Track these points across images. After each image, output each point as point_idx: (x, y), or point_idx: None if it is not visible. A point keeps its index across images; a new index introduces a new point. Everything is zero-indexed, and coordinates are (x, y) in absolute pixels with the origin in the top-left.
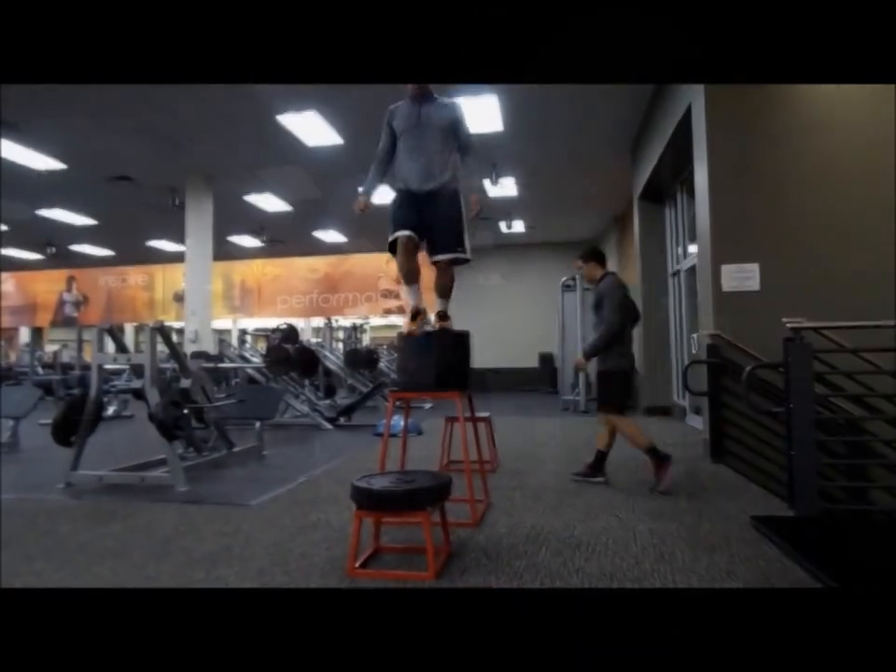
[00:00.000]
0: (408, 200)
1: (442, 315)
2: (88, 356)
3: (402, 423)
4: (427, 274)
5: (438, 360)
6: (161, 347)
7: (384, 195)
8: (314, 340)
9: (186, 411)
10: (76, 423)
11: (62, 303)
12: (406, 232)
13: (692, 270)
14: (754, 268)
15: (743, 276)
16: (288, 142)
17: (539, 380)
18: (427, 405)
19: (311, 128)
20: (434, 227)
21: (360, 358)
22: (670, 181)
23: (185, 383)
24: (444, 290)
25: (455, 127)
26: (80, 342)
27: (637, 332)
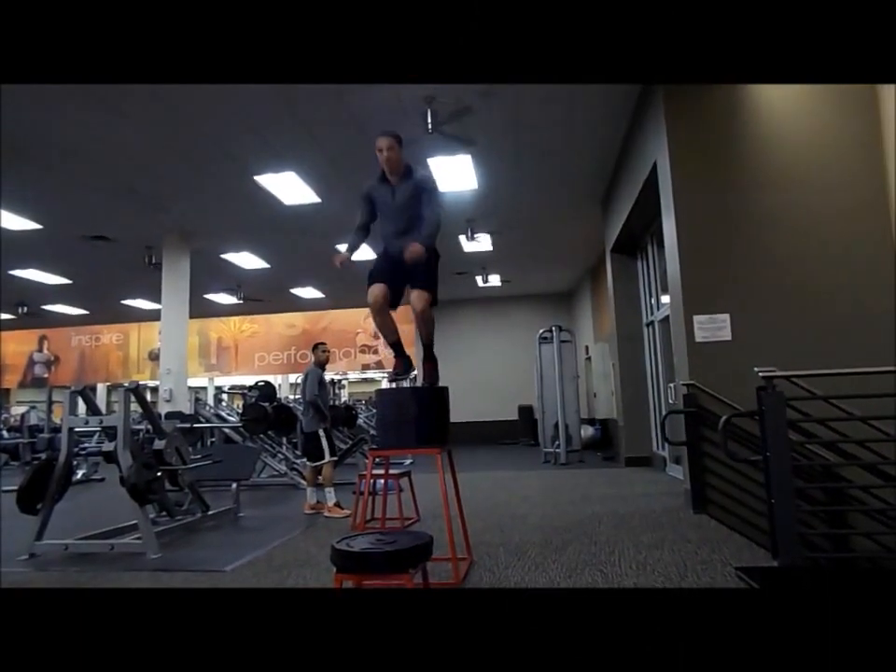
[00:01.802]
0: (385, 257)
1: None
2: (58, 417)
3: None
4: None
5: (417, 416)
6: (135, 407)
7: (363, 251)
8: (291, 397)
9: (159, 473)
10: (42, 489)
11: (31, 364)
12: (379, 285)
13: (665, 320)
14: (725, 318)
15: (715, 326)
16: (266, 201)
17: (519, 432)
18: (408, 461)
19: (288, 187)
20: (407, 275)
21: (339, 415)
22: (640, 234)
23: (159, 444)
24: (421, 333)
25: (421, 199)
26: (50, 403)
27: (615, 382)
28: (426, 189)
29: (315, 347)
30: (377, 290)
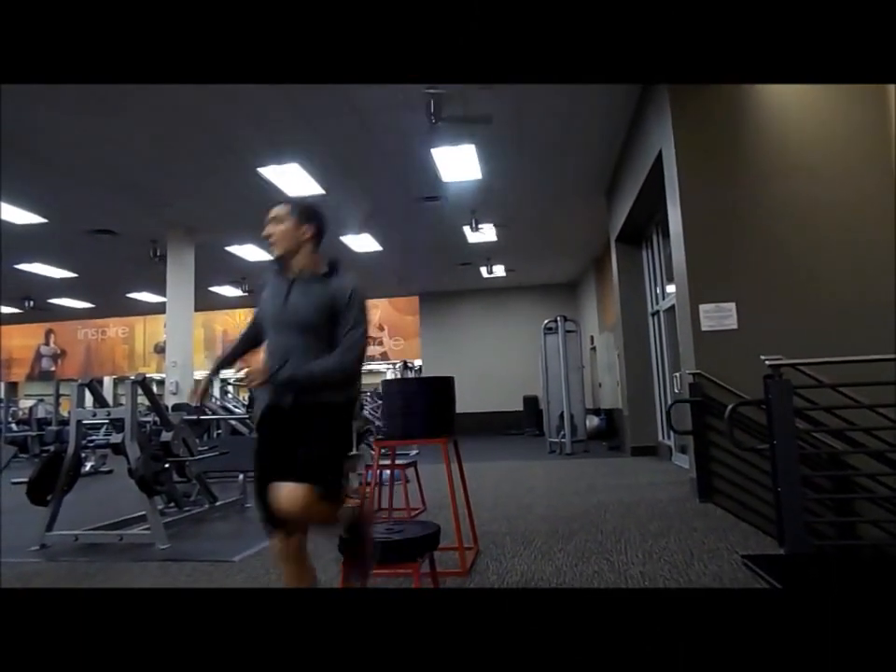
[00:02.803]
0: (265, 417)
1: None
2: (65, 410)
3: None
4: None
5: (423, 407)
6: (142, 399)
7: (365, 243)
8: None
9: (167, 465)
10: (52, 481)
11: (38, 357)
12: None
13: (671, 309)
14: (731, 307)
15: (721, 315)
16: (271, 193)
17: (524, 423)
18: (414, 451)
19: (292, 179)
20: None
21: None
22: (645, 223)
23: (166, 436)
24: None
25: (338, 311)
26: (58, 396)
27: (620, 372)
28: (350, 298)
29: None
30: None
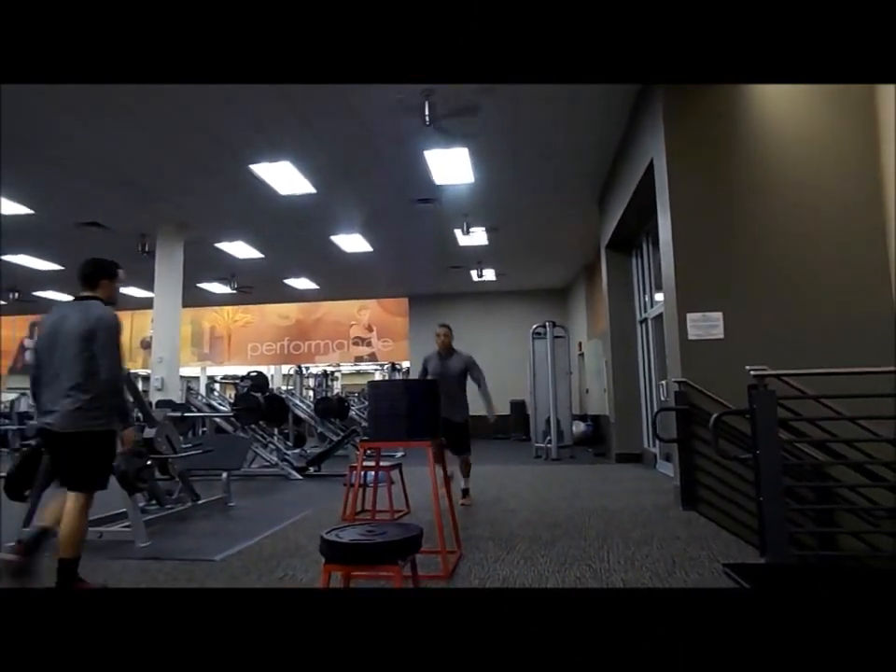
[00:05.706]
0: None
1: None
2: None
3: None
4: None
5: (409, 409)
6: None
7: (357, 243)
8: (284, 387)
9: (149, 462)
10: (31, 476)
11: (22, 350)
12: None
13: (659, 317)
14: (718, 316)
15: (708, 325)
16: (261, 191)
17: (510, 427)
18: (399, 453)
19: (284, 177)
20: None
21: (331, 406)
22: (636, 232)
23: (149, 432)
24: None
25: (468, 371)
26: None
27: (607, 379)
28: (470, 363)
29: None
30: None
